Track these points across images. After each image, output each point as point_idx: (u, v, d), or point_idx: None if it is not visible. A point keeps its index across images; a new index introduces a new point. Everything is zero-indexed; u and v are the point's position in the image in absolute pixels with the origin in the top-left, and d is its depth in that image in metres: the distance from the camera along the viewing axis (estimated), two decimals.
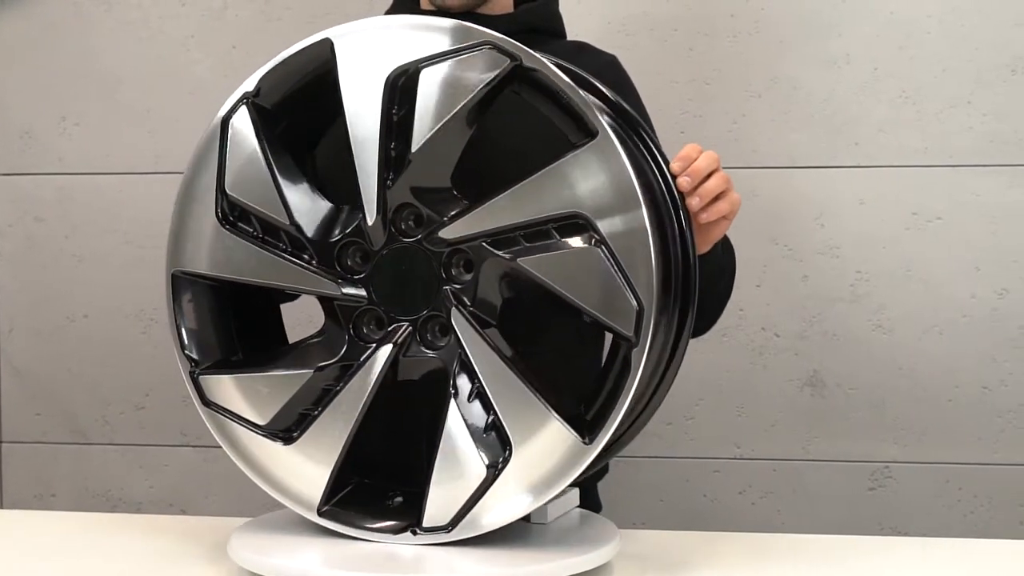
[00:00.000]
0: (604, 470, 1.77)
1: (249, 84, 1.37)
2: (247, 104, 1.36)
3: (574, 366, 1.66)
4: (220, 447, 2.49)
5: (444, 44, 1.28)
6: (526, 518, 1.39)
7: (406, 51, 1.29)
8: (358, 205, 1.32)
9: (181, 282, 1.40)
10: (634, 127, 1.41)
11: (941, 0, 2.25)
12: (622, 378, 1.25)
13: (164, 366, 2.47)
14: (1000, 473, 2.28)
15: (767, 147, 2.31)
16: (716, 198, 1.40)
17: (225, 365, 1.41)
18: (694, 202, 1.38)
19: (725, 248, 1.63)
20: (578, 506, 1.50)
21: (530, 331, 1.37)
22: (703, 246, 1.46)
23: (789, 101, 2.29)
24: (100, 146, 2.48)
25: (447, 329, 1.31)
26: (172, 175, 2.45)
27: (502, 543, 1.32)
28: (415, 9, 1.78)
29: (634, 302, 1.24)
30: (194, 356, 1.40)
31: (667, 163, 1.39)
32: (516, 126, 1.42)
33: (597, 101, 1.38)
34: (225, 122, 1.36)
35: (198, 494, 2.49)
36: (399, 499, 1.36)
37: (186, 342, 1.40)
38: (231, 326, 1.44)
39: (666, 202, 1.37)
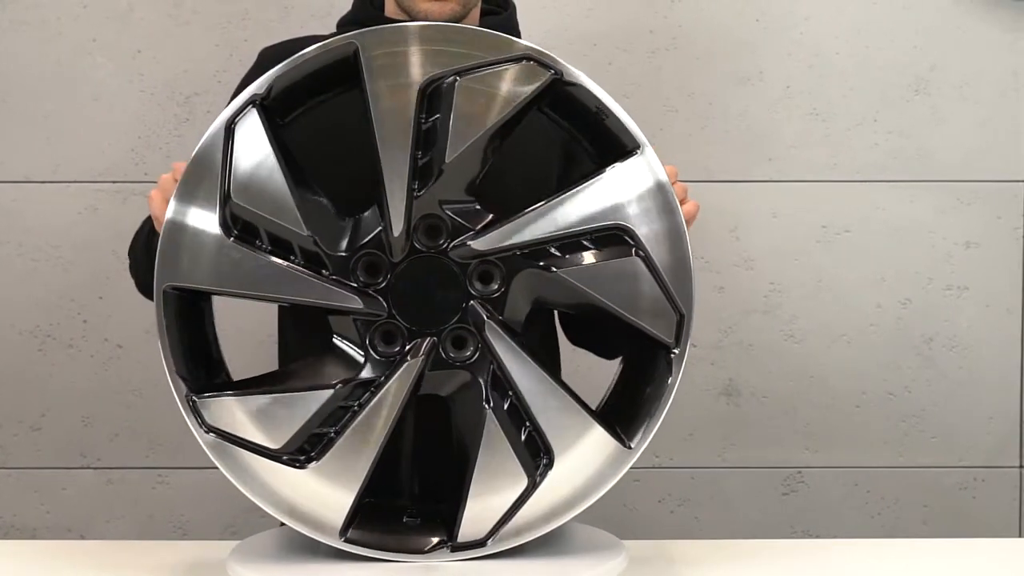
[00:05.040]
0: None
1: (259, 86, 1.30)
2: (256, 107, 1.29)
3: None
4: (123, 469, 2.43)
5: (480, 54, 1.27)
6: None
7: (439, 59, 1.27)
8: (379, 214, 1.29)
9: (173, 298, 1.31)
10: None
11: (848, 22, 2.34)
12: (661, 383, 1.31)
13: (62, 385, 2.36)
14: (905, 475, 2.38)
15: (684, 161, 2.31)
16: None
17: (220, 387, 1.33)
18: (690, 207, 1.43)
19: None
20: None
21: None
22: None
23: (705, 116, 2.35)
24: None
25: (466, 341, 1.30)
26: (72, 184, 2.35)
27: (521, 555, 1.32)
28: (379, 16, 1.75)
29: (674, 309, 1.30)
30: (188, 378, 1.31)
31: None
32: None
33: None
34: (230, 126, 1.29)
35: (99, 518, 2.38)
36: (415, 518, 1.33)
37: (179, 363, 1.31)
38: (217, 345, 1.37)
39: None
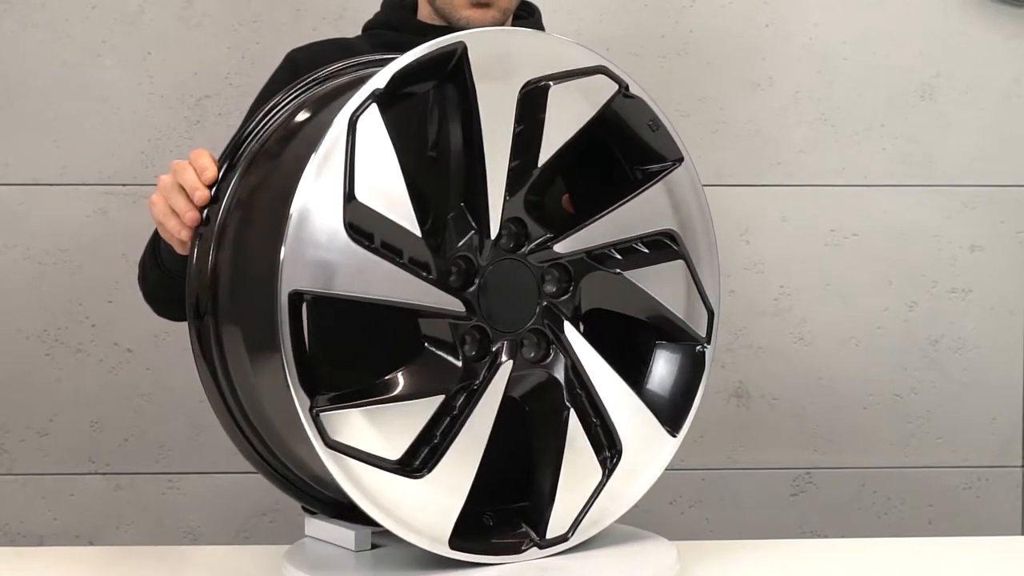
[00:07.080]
0: None
1: (380, 80, 1.22)
2: (376, 102, 1.22)
3: None
4: (132, 474, 2.40)
5: (565, 62, 1.31)
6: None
7: (534, 66, 1.29)
8: (471, 217, 1.29)
9: (297, 304, 1.20)
10: None
11: (855, 28, 2.37)
12: (695, 376, 1.42)
13: (70, 390, 2.34)
14: (910, 476, 2.42)
15: (695, 165, 2.37)
16: None
17: (337, 399, 1.23)
18: None
19: None
20: None
21: None
22: None
23: (716, 121, 2.37)
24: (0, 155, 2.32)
25: (541, 342, 1.33)
26: (80, 186, 2.32)
27: (582, 551, 1.37)
28: (413, 20, 1.75)
29: (705, 308, 1.42)
30: (315, 390, 1.21)
31: None
32: None
33: None
34: (353, 122, 1.21)
35: (108, 525, 2.36)
36: (491, 519, 1.35)
37: (301, 375, 1.20)
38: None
39: None
